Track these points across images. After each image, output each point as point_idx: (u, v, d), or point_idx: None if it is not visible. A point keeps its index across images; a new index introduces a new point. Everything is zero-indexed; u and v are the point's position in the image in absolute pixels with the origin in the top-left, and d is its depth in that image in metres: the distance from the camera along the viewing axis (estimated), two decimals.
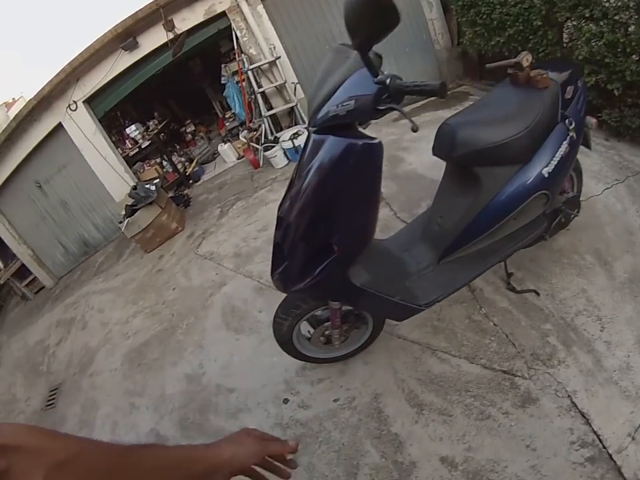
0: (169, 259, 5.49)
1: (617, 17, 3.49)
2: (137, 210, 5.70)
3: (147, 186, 5.80)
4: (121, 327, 4.81)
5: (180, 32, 6.02)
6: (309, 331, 2.37)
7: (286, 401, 2.68)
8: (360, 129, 1.63)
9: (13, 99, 12.23)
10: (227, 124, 8.23)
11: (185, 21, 6.10)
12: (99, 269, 7.12)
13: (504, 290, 2.63)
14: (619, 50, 3.45)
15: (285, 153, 6.09)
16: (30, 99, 6.58)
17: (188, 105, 10.32)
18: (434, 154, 2.17)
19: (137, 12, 5.87)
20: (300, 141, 5.87)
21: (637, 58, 3.43)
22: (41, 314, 7.23)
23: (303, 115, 6.28)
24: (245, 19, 6.03)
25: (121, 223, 5.87)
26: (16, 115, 6.74)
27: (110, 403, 3.87)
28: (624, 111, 3.69)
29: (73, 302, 6.58)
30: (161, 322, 4.34)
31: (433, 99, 6.27)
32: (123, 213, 5.92)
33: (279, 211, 1.74)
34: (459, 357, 2.35)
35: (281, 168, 6.16)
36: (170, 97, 9.99)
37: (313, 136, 1.60)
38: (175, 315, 4.29)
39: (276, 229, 1.78)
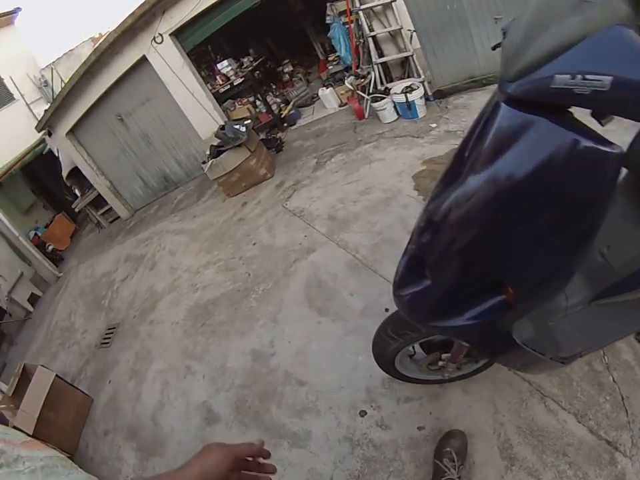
0: (253, 207, 5.03)
1: None
2: (224, 151, 5.21)
3: (237, 126, 5.26)
4: (191, 277, 4.48)
5: None
6: (413, 347, 1.94)
7: (363, 413, 2.29)
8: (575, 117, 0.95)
9: (100, 34, 12.00)
10: (330, 67, 7.50)
11: None
12: (176, 206, 6.93)
13: (632, 340, 2.08)
14: None
15: (395, 106, 5.34)
16: (111, 32, 6.26)
17: (286, 44, 9.70)
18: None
19: None
20: (414, 96, 5.08)
21: None
22: (112, 244, 7.37)
23: (418, 67, 5.45)
24: None
25: (204, 163, 5.45)
26: (96, 48, 6.49)
27: (165, 358, 3.61)
28: None
29: (145, 238, 6.45)
30: (235, 280, 3.91)
31: None
32: (208, 152, 5.45)
33: (427, 210, 1.16)
34: (569, 411, 1.92)
35: (389, 123, 5.42)
36: (267, 34, 9.37)
37: (508, 109, 0.93)
38: (251, 275, 3.83)
39: (417, 234, 1.21)
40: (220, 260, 4.34)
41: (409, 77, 5.65)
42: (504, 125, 0.95)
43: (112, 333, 4.56)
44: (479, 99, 5.41)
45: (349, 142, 5.34)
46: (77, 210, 8.99)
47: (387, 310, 2.64)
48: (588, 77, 0.82)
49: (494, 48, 1.36)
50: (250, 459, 0.87)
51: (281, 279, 3.52)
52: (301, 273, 3.46)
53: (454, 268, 1.14)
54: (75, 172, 8.27)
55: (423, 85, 5.31)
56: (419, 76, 5.44)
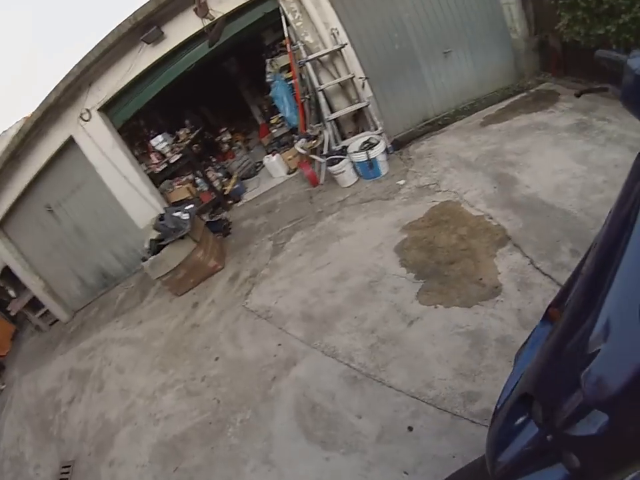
0: (207, 309, 4.45)
1: None
2: (165, 245, 4.62)
3: (177, 214, 4.72)
4: (147, 404, 3.81)
5: (216, 17, 5.04)
6: None
7: None
8: None
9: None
10: (274, 131, 7.16)
11: (222, 3, 5.09)
12: (119, 308, 6.25)
13: None
14: None
15: (354, 167, 4.98)
16: (35, 110, 5.71)
17: (223, 111, 9.45)
18: None
19: None
20: (376, 152, 4.77)
21: None
22: (54, 354, 6.68)
23: (374, 118, 5.19)
24: (299, 0, 5.02)
25: (144, 260, 4.80)
26: (20, 130, 5.92)
27: None
28: None
29: (89, 348, 5.78)
30: (202, 409, 3.29)
31: (518, 98, 5.68)
32: (147, 247, 4.82)
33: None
34: None
35: (349, 186, 5.11)
36: (202, 102, 9.07)
37: None
38: (221, 401, 3.24)
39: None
40: (178, 381, 3.71)
41: (363, 130, 5.37)
42: None
43: (68, 472, 3.83)
44: (442, 143, 5.29)
45: (307, 215, 4.93)
46: (12, 314, 8.20)
47: (410, 429, 2.25)
48: None
49: None
50: None
51: (261, 406, 2.95)
52: (286, 395, 2.91)
53: None
54: (7, 271, 7.52)
55: (382, 138, 5.03)
56: (376, 128, 5.21)
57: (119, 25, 4.99)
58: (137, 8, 4.91)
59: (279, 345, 3.33)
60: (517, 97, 5.67)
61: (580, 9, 4.58)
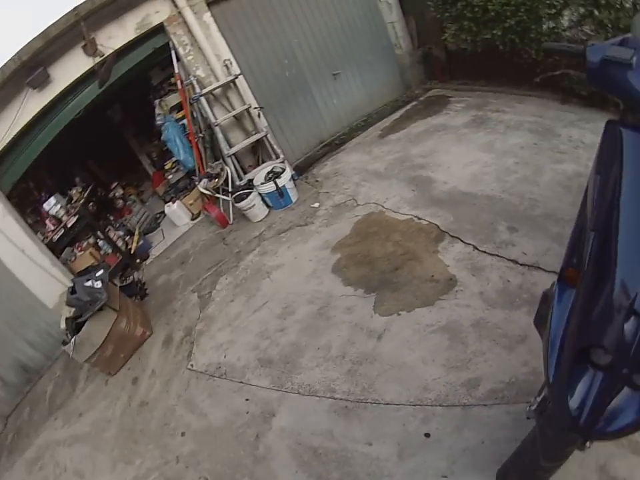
0: (150, 382, 4.08)
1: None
2: (85, 321, 4.24)
3: (89, 283, 4.36)
4: None
5: (106, 54, 4.90)
6: None
7: None
8: None
9: None
10: (170, 177, 7.02)
11: (112, 39, 4.97)
12: (51, 403, 5.48)
13: None
14: None
15: (263, 199, 5.04)
16: None
17: (111, 164, 9.09)
18: None
19: (48, 28, 4.57)
20: (284, 180, 4.97)
21: None
22: None
23: (274, 147, 5.35)
24: (190, 31, 5.15)
25: (65, 343, 4.34)
26: None
27: None
28: None
29: (34, 457, 4.93)
30: None
31: (409, 107, 6.45)
32: (64, 327, 4.39)
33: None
34: None
35: (262, 220, 5.15)
36: (88, 156, 8.64)
37: None
38: (209, 478, 2.89)
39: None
40: (150, 470, 3.24)
41: (264, 161, 5.54)
42: None
43: None
44: (345, 160, 5.67)
45: (225, 258, 4.89)
46: None
47: (427, 435, 2.30)
48: None
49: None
50: None
51: (257, 469, 2.71)
52: (278, 449, 2.74)
53: None
54: None
55: (286, 165, 5.24)
56: (277, 156, 5.42)
57: (2, 66, 4.55)
58: (22, 46, 4.52)
59: (247, 400, 3.14)
60: (409, 107, 6.38)
61: (466, 19, 5.36)
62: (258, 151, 5.67)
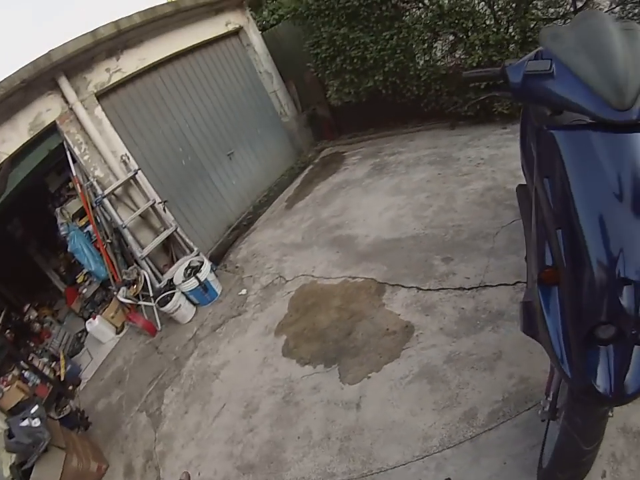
0: None
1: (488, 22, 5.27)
2: (32, 467, 3.75)
3: (26, 423, 3.88)
4: None
5: (0, 161, 4.61)
6: None
7: None
8: None
9: None
10: (84, 291, 6.58)
11: (6, 143, 4.67)
12: None
13: None
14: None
15: (187, 298, 4.92)
16: None
17: (19, 285, 8.29)
18: None
19: None
20: (206, 273, 4.91)
21: None
22: None
23: (187, 240, 5.27)
24: (83, 128, 5.02)
25: None
26: None
27: None
28: None
29: None
30: None
31: (307, 172, 6.79)
32: (8, 475, 3.84)
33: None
34: None
35: (191, 320, 4.98)
36: None
37: (632, 137, 1.39)
38: None
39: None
40: None
41: (178, 258, 5.43)
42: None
43: None
44: (259, 239, 5.76)
45: (164, 369, 4.61)
46: None
47: None
48: None
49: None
50: None
51: None
52: None
53: None
54: None
55: (203, 257, 5.21)
56: (191, 250, 5.36)
57: None
58: None
59: None
60: (306, 171, 6.71)
61: (347, 72, 5.88)
62: (170, 248, 5.55)
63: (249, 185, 6.57)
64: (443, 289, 3.49)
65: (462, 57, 5.62)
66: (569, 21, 5.16)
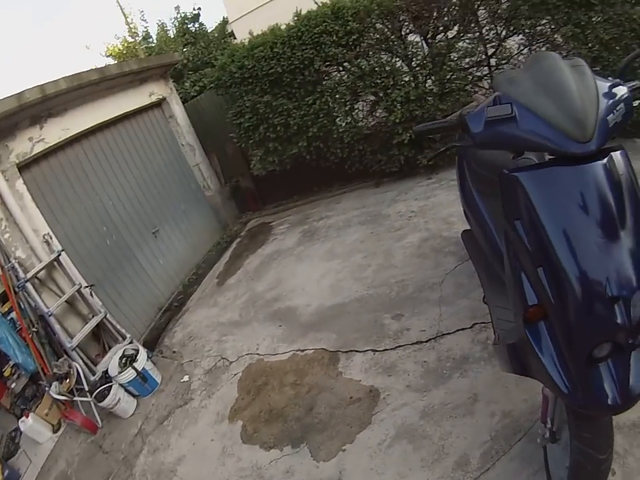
0: None
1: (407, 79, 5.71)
2: None
3: None
4: None
5: None
6: None
7: None
8: None
9: None
10: (13, 385, 5.77)
11: None
12: None
13: None
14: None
15: (126, 390, 4.52)
16: None
17: None
18: None
19: None
20: (142, 361, 4.56)
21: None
22: None
23: (117, 326, 4.92)
24: (4, 203, 4.58)
25: None
26: None
27: None
28: None
29: None
30: None
31: (235, 245, 6.72)
32: None
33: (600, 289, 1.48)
34: None
35: (134, 414, 4.50)
36: None
37: (596, 166, 1.54)
38: None
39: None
40: None
41: (110, 347, 5.04)
42: (599, 175, 1.50)
43: None
44: (194, 320, 5.49)
45: (114, 470, 4.05)
46: None
47: None
48: (616, 109, 1.58)
49: None
50: None
51: None
52: None
53: None
54: None
55: (138, 345, 4.90)
56: (124, 337, 4.98)
57: None
58: None
59: None
60: (234, 245, 6.60)
61: (271, 141, 6.02)
62: (101, 336, 5.08)
63: (177, 264, 6.34)
64: (400, 346, 3.47)
65: (383, 115, 5.97)
66: (484, 68, 5.96)
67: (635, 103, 1.71)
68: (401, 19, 5.77)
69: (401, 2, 5.64)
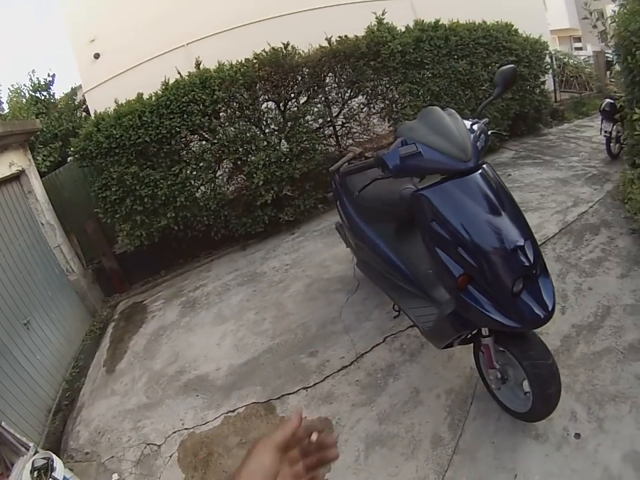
0: None
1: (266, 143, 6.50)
2: None
3: None
4: None
5: None
6: None
7: None
8: None
9: None
10: None
11: None
12: None
13: None
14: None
15: None
16: None
17: None
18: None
19: None
20: (60, 472, 4.07)
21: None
22: None
23: (17, 435, 4.34)
24: None
25: None
26: None
27: None
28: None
29: None
30: None
31: (111, 330, 6.30)
32: None
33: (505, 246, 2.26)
34: None
35: None
36: None
37: (478, 174, 2.39)
38: None
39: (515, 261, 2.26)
40: None
41: (11, 463, 4.45)
42: (480, 183, 2.37)
43: None
44: (96, 414, 4.92)
45: None
46: None
47: None
48: (480, 138, 2.51)
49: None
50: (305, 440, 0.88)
51: None
52: None
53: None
54: None
55: (48, 453, 4.41)
56: (27, 447, 4.30)
57: None
58: None
59: None
60: (110, 330, 6.22)
61: (138, 214, 5.97)
62: (1, 453, 4.54)
63: (54, 358, 5.72)
64: (328, 376, 3.83)
65: (245, 179, 6.50)
66: (331, 127, 7.03)
67: (489, 132, 2.64)
68: (259, 87, 6.42)
69: (263, 72, 6.29)
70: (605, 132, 7.54)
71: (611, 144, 7.61)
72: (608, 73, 15.38)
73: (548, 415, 2.63)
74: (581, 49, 22.66)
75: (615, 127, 7.21)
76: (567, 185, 6.73)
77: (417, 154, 2.37)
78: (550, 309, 2.29)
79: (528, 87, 9.40)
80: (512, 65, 2.92)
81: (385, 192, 3.37)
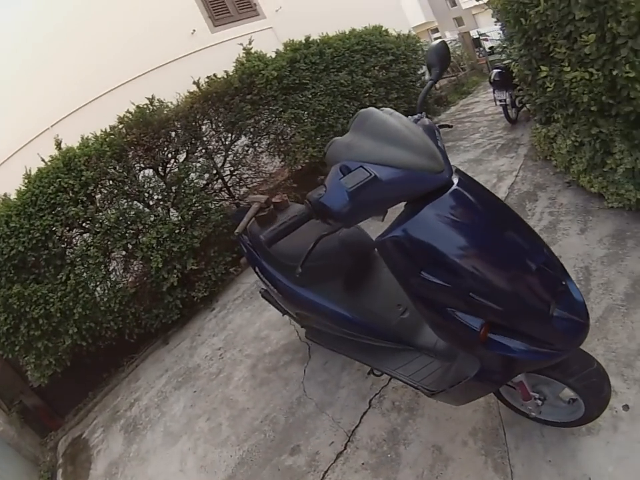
0: None
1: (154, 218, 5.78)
2: None
3: None
4: None
5: None
6: None
7: None
8: None
9: None
10: None
11: None
12: None
13: None
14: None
15: None
16: None
17: None
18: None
19: None
20: None
21: None
22: None
23: None
24: None
25: None
26: None
27: None
28: None
29: None
30: None
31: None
32: None
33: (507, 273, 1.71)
34: None
35: None
36: None
37: (457, 188, 1.72)
38: None
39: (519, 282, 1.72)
40: None
41: None
42: (471, 189, 1.80)
43: None
44: None
45: None
46: None
47: None
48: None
49: None
50: None
51: None
52: None
53: None
54: None
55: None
56: None
57: None
58: None
59: None
60: (60, 479, 4.93)
61: (37, 340, 5.13)
62: None
63: None
64: (327, 471, 3.06)
65: (142, 265, 5.75)
66: (219, 180, 6.50)
67: (438, 126, 1.98)
68: (131, 155, 5.70)
69: (131, 137, 5.54)
70: (500, 100, 7.64)
71: (508, 110, 7.69)
72: (476, 51, 16.18)
73: (602, 413, 2.22)
74: (440, 38, 23.87)
75: (509, 93, 7.32)
76: (482, 164, 6.61)
77: (371, 180, 1.57)
78: (585, 317, 1.80)
79: (410, 82, 9.46)
80: (440, 40, 2.27)
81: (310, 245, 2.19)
